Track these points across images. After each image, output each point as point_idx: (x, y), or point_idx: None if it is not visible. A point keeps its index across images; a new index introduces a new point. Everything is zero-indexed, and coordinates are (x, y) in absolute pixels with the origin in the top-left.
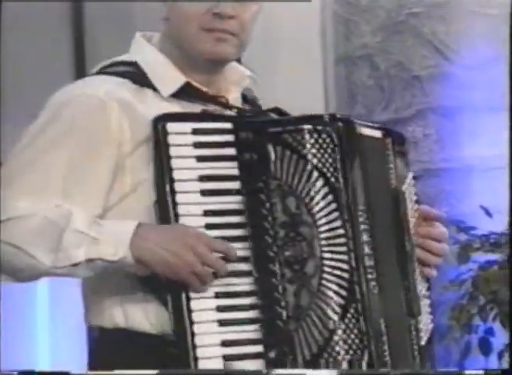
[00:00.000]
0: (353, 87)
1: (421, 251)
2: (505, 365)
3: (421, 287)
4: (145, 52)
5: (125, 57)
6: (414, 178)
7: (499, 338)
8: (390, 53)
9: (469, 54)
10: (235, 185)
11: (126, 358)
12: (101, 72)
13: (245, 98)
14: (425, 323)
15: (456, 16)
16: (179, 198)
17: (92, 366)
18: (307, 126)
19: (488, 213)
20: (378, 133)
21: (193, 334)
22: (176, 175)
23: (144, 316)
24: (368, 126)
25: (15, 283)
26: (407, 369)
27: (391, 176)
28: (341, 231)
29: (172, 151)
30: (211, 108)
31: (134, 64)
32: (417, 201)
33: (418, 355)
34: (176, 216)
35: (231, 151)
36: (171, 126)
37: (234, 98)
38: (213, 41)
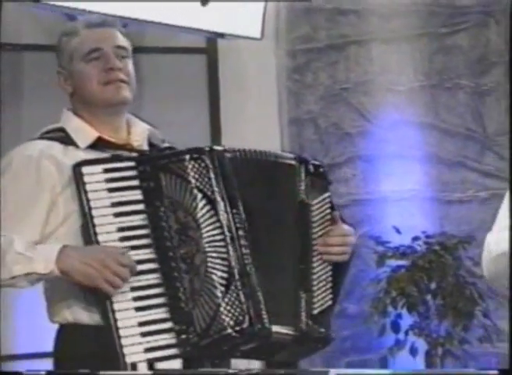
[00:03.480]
0: (302, 142)
1: (322, 246)
2: (411, 340)
3: (321, 273)
4: (70, 120)
5: (57, 125)
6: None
7: (406, 321)
8: (328, 117)
9: (384, 118)
10: (140, 207)
11: (75, 346)
12: (40, 137)
13: (151, 144)
14: (322, 297)
15: (375, 91)
16: (96, 220)
17: (55, 356)
18: (187, 156)
19: (398, 231)
20: (291, 161)
21: (115, 320)
22: (92, 204)
23: (84, 311)
24: (277, 156)
25: None
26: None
27: (299, 191)
28: (219, 231)
29: (88, 187)
30: (119, 153)
31: (62, 129)
32: (331, 213)
33: (308, 320)
34: (95, 234)
35: (135, 182)
36: (85, 169)
37: (138, 145)
38: (113, 90)
